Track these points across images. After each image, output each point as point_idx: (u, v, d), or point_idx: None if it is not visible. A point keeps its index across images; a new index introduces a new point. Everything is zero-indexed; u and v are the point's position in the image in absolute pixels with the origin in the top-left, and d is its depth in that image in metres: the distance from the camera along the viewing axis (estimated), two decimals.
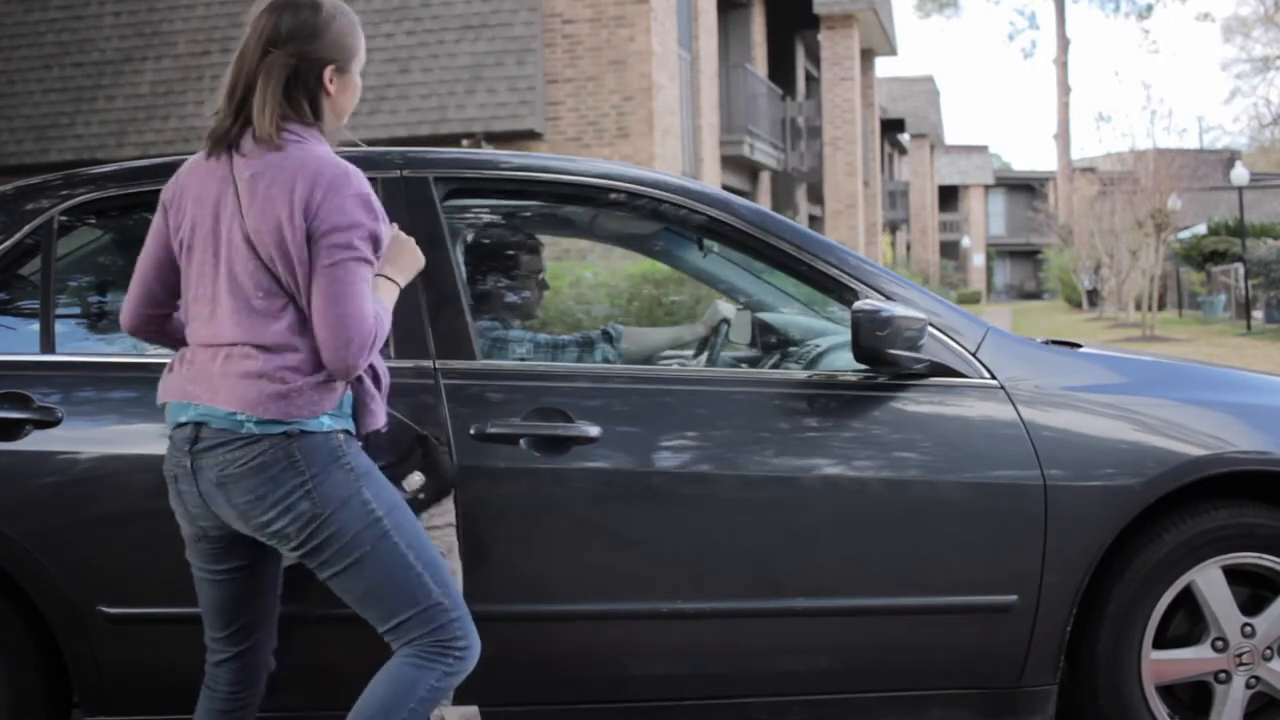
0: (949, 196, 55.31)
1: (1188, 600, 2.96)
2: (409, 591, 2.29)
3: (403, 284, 2.41)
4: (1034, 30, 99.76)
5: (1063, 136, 47.27)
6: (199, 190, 2.27)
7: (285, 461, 2.20)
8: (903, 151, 41.65)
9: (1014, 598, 2.83)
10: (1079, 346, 3.26)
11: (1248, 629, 2.94)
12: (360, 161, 2.97)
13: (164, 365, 2.89)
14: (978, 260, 54.78)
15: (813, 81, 25.26)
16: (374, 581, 2.28)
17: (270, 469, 2.20)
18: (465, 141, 12.31)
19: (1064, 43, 47.60)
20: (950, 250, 54.46)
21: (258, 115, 2.21)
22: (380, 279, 2.34)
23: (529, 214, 3.53)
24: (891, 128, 36.15)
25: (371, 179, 2.91)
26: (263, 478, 2.20)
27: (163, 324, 2.47)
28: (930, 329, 2.86)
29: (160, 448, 2.70)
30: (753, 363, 3.63)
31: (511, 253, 3.45)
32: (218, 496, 2.25)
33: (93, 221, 3.06)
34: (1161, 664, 2.95)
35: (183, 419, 2.28)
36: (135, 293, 2.42)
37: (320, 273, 2.17)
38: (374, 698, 2.30)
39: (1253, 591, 3.00)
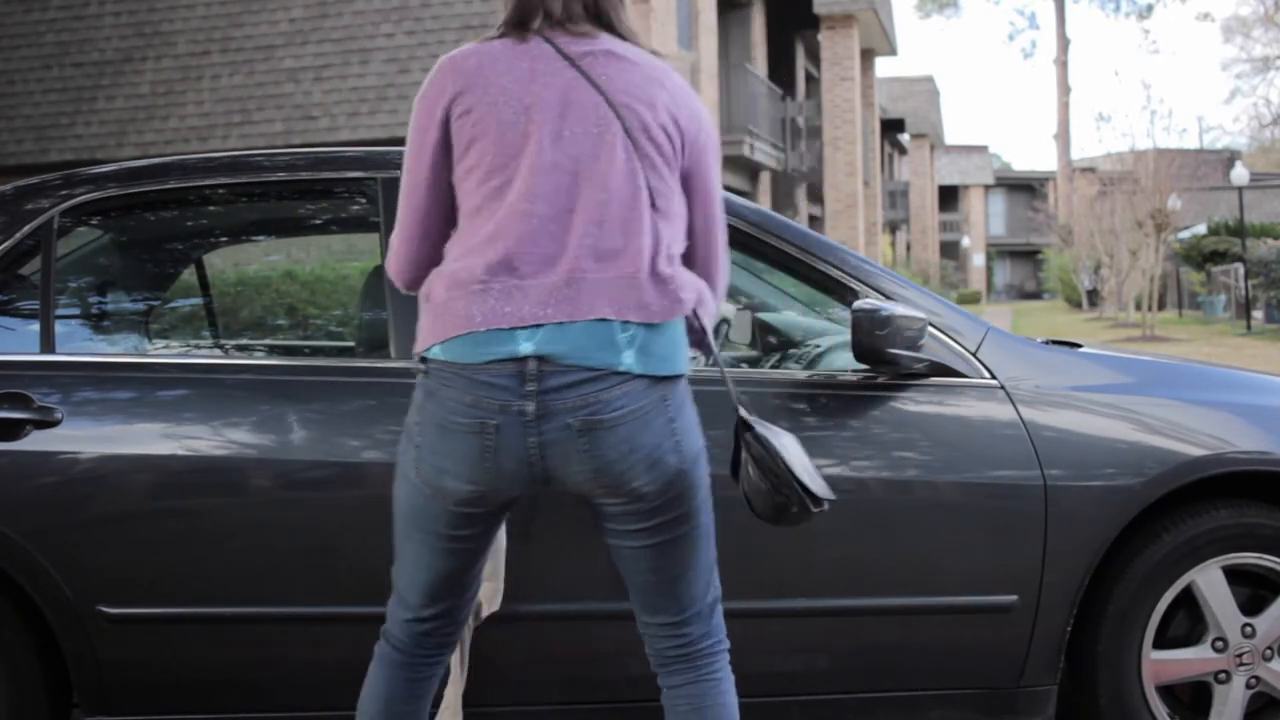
0: (949, 196, 55.31)
1: (1188, 600, 2.96)
2: (709, 576, 2.11)
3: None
4: (1034, 30, 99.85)
5: (1063, 136, 47.28)
6: None
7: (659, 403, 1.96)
8: (903, 151, 41.65)
9: (1014, 598, 2.83)
10: (1079, 346, 3.26)
11: (1248, 629, 2.94)
12: (360, 162, 2.97)
13: (163, 365, 2.90)
14: (978, 260, 54.78)
15: (813, 81, 25.26)
16: (693, 557, 2.06)
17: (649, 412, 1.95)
18: None
19: (1064, 43, 47.61)
20: (950, 250, 54.45)
21: None
22: None
23: None
24: (891, 128, 36.14)
25: (371, 179, 2.93)
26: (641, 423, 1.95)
27: None
28: (930, 329, 2.86)
29: (160, 447, 2.70)
30: (753, 363, 3.63)
31: None
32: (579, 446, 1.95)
33: (93, 221, 3.06)
34: (1161, 664, 2.95)
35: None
36: None
37: None
38: None
39: (1253, 591, 3.00)
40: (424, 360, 2.03)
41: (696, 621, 2.09)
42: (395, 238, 2.13)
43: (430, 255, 2.08)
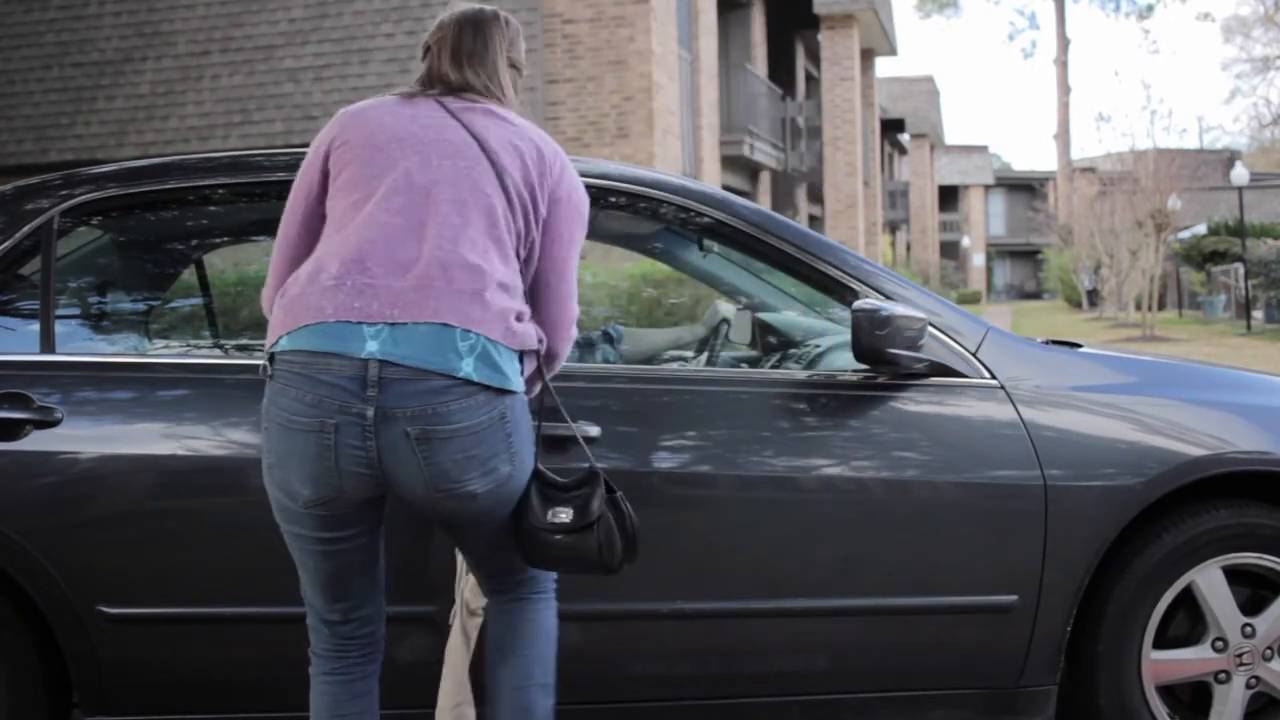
0: (949, 196, 55.29)
1: (1188, 600, 2.96)
2: None
3: None
4: (1034, 30, 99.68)
5: (1063, 136, 47.25)
6: None
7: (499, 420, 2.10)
8: (903, 151, 41.63)
9: (1014, 598, 2.83)
10: (1079, 346, 3.26)
11: (1248, 629, 2.94)
12: None
13: (163, 365, 2.89)
14: (978, 260, 54.76)
15: (813, 81, 25.26)
16: (512, 540, 2.22)
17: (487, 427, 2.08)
18: None
19: (1064, 43, 47.58)
20: (950, 250, 54.44)
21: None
22: None
23: None
24: (891, 128, 36.13)
25: None
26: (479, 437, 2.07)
27: None
28: (930, 329, 2.86)
29: (160, 447, 2.71)
30: (753, 363, 3.63)
31: None
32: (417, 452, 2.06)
33: (93, 221, 3.06)
34: (1161, 664, 2.95)
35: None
36: None
37: None
38: (542, 654, 2.29)
39: (1253, 591, 3.00)
40: (271, 360, 2.10)
41: (534, 573, 2.28)
42: (270, 271, 2.26)
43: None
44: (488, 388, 2.02)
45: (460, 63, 2.25)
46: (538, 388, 2.29)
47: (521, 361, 2.18)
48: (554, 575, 2.34)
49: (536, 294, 2.25)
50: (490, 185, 2.13)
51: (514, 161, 2.17)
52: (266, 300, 2.26)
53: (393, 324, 2.00)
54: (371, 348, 1.98)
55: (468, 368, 2.00)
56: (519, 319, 2.11)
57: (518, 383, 2.09)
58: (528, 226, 2.18)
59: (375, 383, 1.97)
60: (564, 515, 2.17)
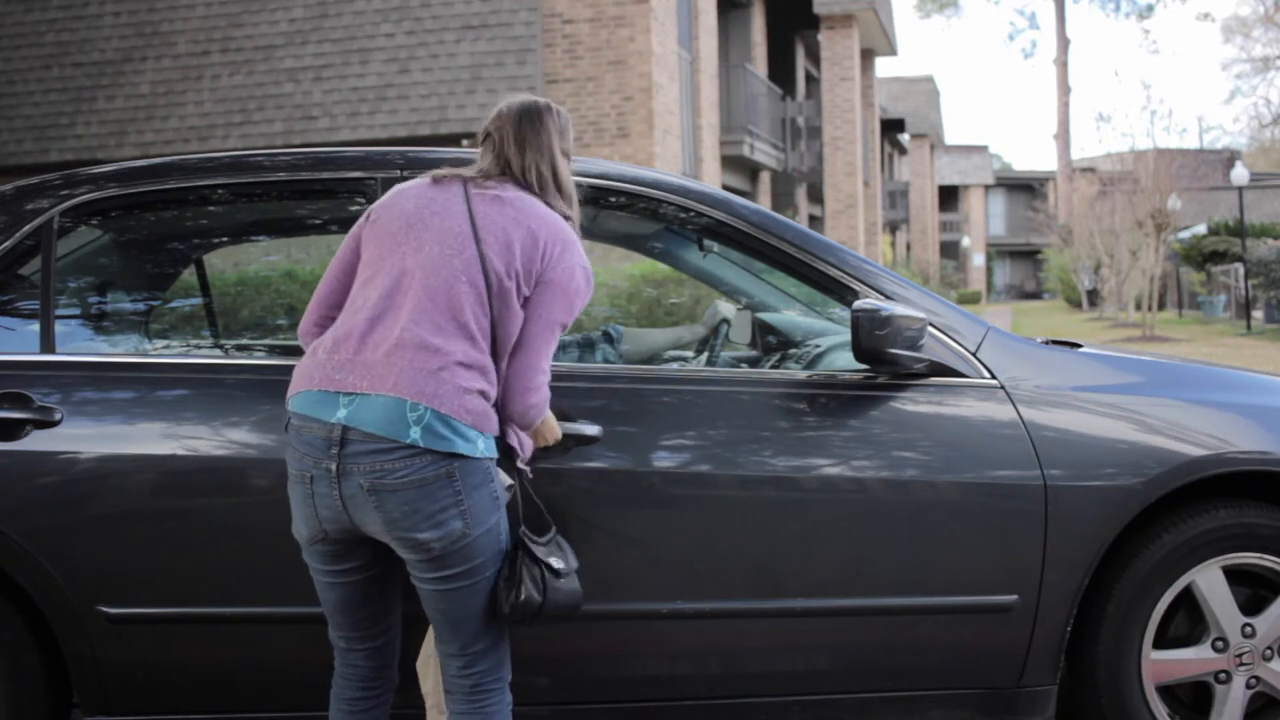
0: (949, 196, 55.30)
1: (1188, 600, 2.96)
2: (491, 622, 2.39)
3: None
4: (1034, 30, 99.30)
5: (1063, 136, 47.23)
6: None
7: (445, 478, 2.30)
8: (903, 151, 41.64)
9: (1014, 598, 2.83)
10: (1079, 346, 3.26)
11: (1248, 629, 2.94)
12: (360, 162, 2.98)
13: (163, 365, 2.89)
14: (978, 260, 54.76)
15: (813, 81, 25.26)
16: (474, 605, 2.36)
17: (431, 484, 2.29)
18: (465, 141, 12.30)
19: (1064, 43, 47.57)
20: (950, 250, 54.45)
21: None
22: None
23: None
24: (891, 128, 36.13)
25: (371, 179, 2.94)
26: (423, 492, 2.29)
27: None
28: (930, 329, 2.86)
29: (160, 447, 2.71)
30: (753, 363, 3.63)
31: None
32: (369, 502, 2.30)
33: (93, 221, 3.06)
34: (1162, 664, 2.95)
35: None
36: None
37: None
38: None
39: (1253, 591, 3.00)
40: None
41: (480, 660, 2.40)
42: (308, 307, 2.54)
43: (318, 327, 2.50)
44: (434, 451, 2.25)
45: (523, 148, 2.48)
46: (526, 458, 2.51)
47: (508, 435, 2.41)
48: (508, 671, 2.44)
49: (511, 358, 2.41)
50: (470, 272, 2.33)
51: (502, 248, 2.35)
52: (300, 331, 2.53)
53: (360, 394, 2.27)
54: (341, 414, 2.27)
55: (414, 434, 2.25)
56: (483, 396, 2.32)
57: (469, 448, 2.29)
58: (510, 308, 2.36)
59: (339, 442, 2.27)
60: (556, 561, 2.42)
